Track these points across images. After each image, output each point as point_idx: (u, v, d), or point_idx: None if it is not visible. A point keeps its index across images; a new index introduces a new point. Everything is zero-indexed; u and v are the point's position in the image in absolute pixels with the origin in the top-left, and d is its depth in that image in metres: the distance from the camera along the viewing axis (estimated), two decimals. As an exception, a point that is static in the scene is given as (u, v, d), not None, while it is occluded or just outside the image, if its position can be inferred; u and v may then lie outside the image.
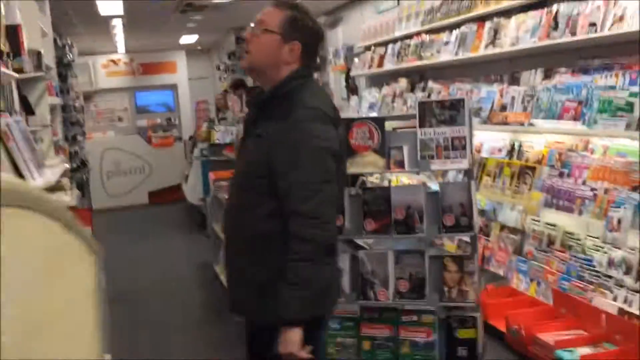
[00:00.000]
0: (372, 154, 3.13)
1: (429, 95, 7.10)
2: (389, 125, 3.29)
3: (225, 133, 8.85)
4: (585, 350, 3.86)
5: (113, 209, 11.94)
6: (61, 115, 9.46)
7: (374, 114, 7.90)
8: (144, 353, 5.00)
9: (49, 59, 6.29)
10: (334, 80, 10.78)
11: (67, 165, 6.32)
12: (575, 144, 4.64)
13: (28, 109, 5.11)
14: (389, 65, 7.82)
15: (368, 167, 3.13)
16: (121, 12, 8.70)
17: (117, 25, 10.42)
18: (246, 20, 12.01)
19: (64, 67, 9.79)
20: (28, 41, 4.91)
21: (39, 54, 5.12)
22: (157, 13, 9.54)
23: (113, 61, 13.91)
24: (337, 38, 10.39)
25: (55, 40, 9.47)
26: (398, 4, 8.04)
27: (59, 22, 9.66)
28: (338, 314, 3.34)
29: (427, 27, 6.96)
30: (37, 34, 5.31)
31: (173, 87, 14.46)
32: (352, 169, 3.16)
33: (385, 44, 8.05)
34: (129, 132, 13.74)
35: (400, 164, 3.14)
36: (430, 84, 7.05)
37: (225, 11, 9.97)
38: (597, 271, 4.24)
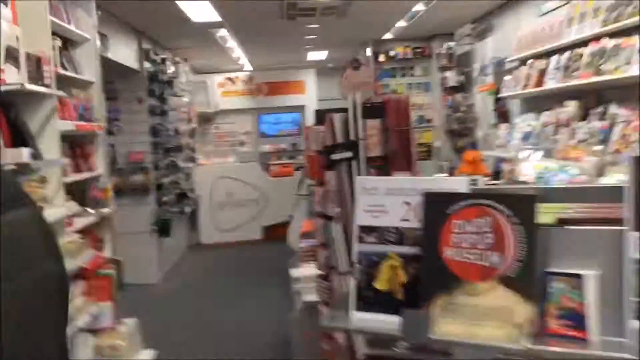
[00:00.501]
0: (501, 289, 1.19)
1: (610, 126, 4.89)
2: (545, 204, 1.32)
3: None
4: None
5: (222, 245, 10.59)
6: (151, 140, 8.19)
7: (525, 152, 5.76)
8: None
9: (87, 71, 4.85)
10: (481, 103, 8.70)
11: (97, 213, 4.80)
12: None
13: (18, 139, 3.63)
14: (551, 84, 5.70)
15: (487, 327, 1.18)
16: (217, 18, 7.25)
17: (226, 38, 9.05)
18: (377, 31, 10.42)
19: (159, 85, 8.52)
20: (16, 41, 3.43)
21: (38, 60, 3.63)
22: (263, 20, 8.02)
23: (230, 79, 12.67)
24: (485, 51, 8.34)
25: (147, 53, 8.23)
26: (568, 1, 5.89)
27: (155, 32, 8.43)
28: None
29: (610, 27, 4.83)
30: (42, 33, 3.83)
31: (300, 109, 13.01)
32: (445, 325, 1.23)
33: (547, 54, 5.93)
34: (250, 158, 12.42)
35: (576, 322, 1.15)
36: (614, 109, 4.89)
37: (348, 19, 8.28)
38: None
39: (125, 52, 7.59)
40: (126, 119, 8.12)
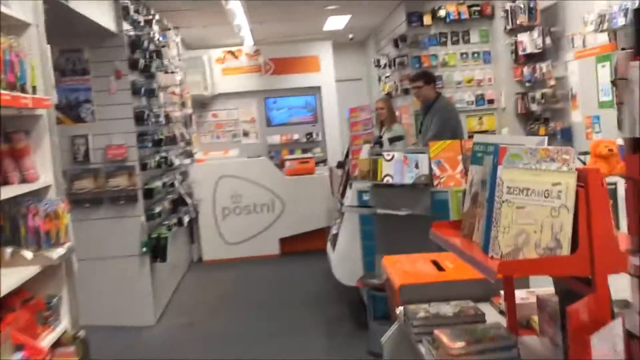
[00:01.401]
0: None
1: None
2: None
3: (401, 164, 4.84)
4: None
5: (230, 262, 8.33)
6: (136, 130, 5.94)
7: None
8: None
9: (18, 7, 2.57)
10: (581, 74, 6.48)
11: (38, 259, 2.55)
12: None
13: None
14: None
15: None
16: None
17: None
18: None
19: (144, 54, 6.24)
20: None
21: None
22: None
23: (231, 53, 10.32)
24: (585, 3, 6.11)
25: (126, 11, 5.94)
26: None
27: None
28: None
29: None
30: None
31: (315, 91, 10.75)
32: None
33: None
34: (257, 151, 10.17)
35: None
36: None
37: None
38: None
39: (94, 5, 5.28)
40: (101, 100, 5.82)
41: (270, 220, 8.64)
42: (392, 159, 4.88)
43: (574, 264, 1.64)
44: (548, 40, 6.81)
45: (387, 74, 9.59)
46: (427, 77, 6.30)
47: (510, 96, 7.80)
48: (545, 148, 1.75)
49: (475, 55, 8.10)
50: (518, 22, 7.07)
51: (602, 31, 5.64)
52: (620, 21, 5.21)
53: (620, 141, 5.06)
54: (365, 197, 5.17)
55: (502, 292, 2.54)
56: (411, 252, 3.32)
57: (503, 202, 1.91)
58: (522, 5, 6.98)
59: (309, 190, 8.58)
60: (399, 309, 2.78)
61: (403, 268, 3.33)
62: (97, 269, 5.59)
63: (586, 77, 6.39)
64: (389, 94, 9.31)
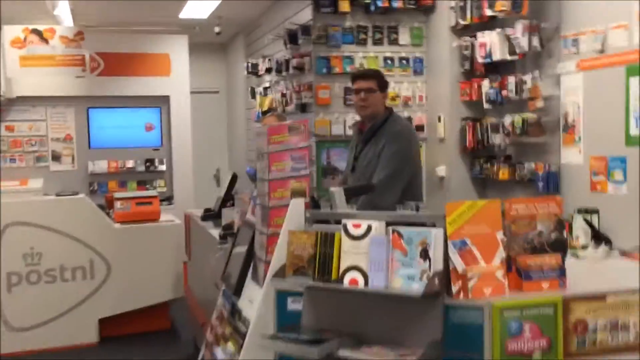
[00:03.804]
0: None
1: None
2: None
3: (385, 249, 2.19)
4: None
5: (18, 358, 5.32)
6: None
7: None
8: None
9: None
10: (588, 96, 4.33)
11: None
12: None
13: None
14: None
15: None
16: None
17: None
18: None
19: None
20: None
21: None
22: None
23: (37, 33, 7.47)
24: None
25: None
26: None
27: None
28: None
29: None
30: None
31: (161, 103, 8.32)
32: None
33: None
34: (72, 182, 7.45)
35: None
36: None
37: None
38: None
39: None
40: None
41: (86, 291, 5.71)
42: (364, 234, 2.25)
43: None
44: (535, 42, 4.56)
45: (266, 84, 7.03)
46: (383, 80, 3.86)
47: (454, 122, 5.50)
48: None
49: (404, 62, 5.75)
50: (495, 11, 4.75)
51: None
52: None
53: None
54: (294, 306, 2.48)
55: None
56: None
57: None
58: (496, -14, 4.67)
59: (149, 246, 5.79)
60: None
61: None
62: None
63: (602, 97, 4.22)
64: (268, 111, 6.74)
